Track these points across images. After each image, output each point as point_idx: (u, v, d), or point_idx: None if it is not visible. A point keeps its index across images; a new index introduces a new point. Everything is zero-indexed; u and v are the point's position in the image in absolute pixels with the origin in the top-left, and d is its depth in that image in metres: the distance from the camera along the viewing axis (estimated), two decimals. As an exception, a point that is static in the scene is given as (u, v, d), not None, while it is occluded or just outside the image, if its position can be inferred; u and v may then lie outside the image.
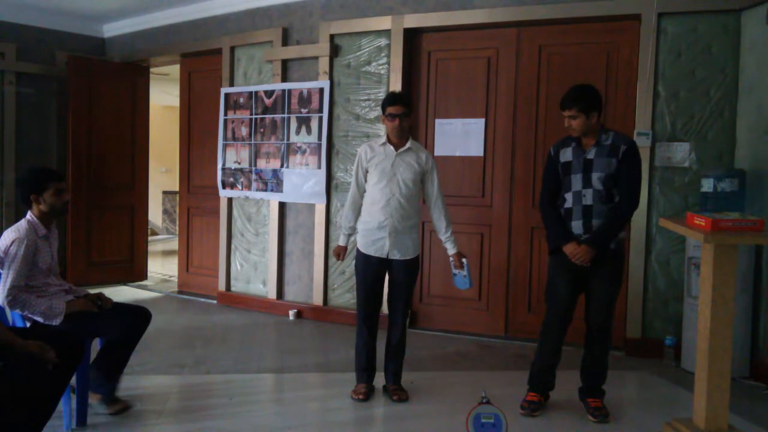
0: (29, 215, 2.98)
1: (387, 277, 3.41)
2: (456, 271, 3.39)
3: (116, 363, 3.09)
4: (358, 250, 3.40)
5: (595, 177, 3.05)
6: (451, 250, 3.39)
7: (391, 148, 3.34)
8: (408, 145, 3.34)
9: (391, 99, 3.34)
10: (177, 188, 6.94)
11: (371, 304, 3.40)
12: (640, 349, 4.22)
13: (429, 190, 3.41)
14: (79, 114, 6.25)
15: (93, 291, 3.23)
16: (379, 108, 4.30)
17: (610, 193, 3.06)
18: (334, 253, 3.52)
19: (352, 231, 3.46)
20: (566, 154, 3.16)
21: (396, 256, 3.32)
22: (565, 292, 3.14)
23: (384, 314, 3.51)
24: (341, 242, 3.49)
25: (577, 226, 3.08)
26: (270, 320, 5.17)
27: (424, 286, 4.97)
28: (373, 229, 3.32)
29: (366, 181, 3.38)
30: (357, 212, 3.44)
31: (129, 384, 3.50)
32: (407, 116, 3.33)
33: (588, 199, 3.06)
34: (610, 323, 3.15)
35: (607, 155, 3.05)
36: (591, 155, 3.08)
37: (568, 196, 3.12)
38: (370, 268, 3.36)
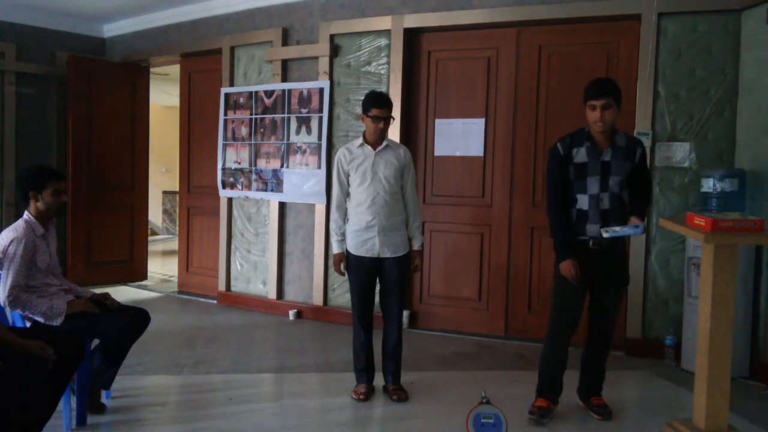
0: (26, 215, 2.98)
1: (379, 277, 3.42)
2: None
3: (111, 361, 3.09)
4: (348, 252, 3.40)
5: (613, 181, 2.98)
6: (416, 245, 3.44)
7: (369, 148, 3.36)
8: (385, 143, 3.37)
9: (376, 101, 3.31)
10: (177, 188, 6.94)
11: (366, 304, 3.41)
12: (640, 349, 4.22)
13: (404, 185, 3.42)
14: (79, 114, 6.25)
15: (96, 291, 3.23)
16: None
17: (623, 197, 3.02)
18: (334, 262, 3.44)
19: (344, 236, 3.44)
20: (580, 155, 3.01)
21: (387, 254, 3.34)
22: (575, 299, 3.05)
23: (380, 314, 3.50)
24: (337, 249, 3.42)
25: (593, 229, 3.00)
26: (270, 320, 5.17)
27: (424, 286, 4.98)
28: (361, 230, 3.33)
29: (349, 184, 3.39)
30: (345, 215, 3.44)
31: (129, 384, 3.51)
32: (389, 119, 3.34)
33: (605, 203, 2.98)
34: (615, 326, 3.16)
35: (622, 158, 2.99)
36: (608, 157, 2.99)
37: (582, 198, 3.02)
38: (362, 269, 3.37)
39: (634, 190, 3.05)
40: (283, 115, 5.31)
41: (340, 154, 3.42)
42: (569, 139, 3.08)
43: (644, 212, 3.06)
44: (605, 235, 2.91)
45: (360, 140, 3.40)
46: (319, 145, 5.11)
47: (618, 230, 2.90)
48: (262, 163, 5.44)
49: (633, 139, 3.10)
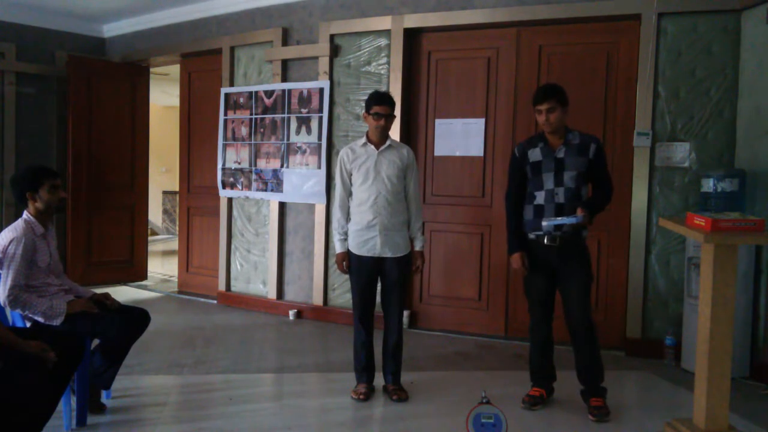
0: (26, 215, 2.98)
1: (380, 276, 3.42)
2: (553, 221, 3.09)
3: (111, 361, 3.09)
4: (350, 252, 3.40)
5: (568, 176, 3.13)
6: (417, 245, 3.44)
7: (372, 147, 3.37)
8: (388, 142, 3.38)
9: (378, 98, 3.36)
10: (177, 188, 6.94)
11: (366, 304, 3.42)
12: (640, 349, 4.22)
13: (407, 185, 3.42)
14: (79, 114, 6.25)
15: (96, 291, 3.23)
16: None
17: (580, 192, 3.15)
18: (337, 261, 3.45)
19: (347, 235, 3.44)
20: (535, 154, 3.20)
21: (388, 254, 3.34)
22: (540, 282, 3.24)
23: (380, 313, 3.50)
24: (339, 248, 3.42)
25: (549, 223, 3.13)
26: (270, 320, 5.17)
27: (424, 286, 4.97)
28: (363, 230, 3.34)
29: (351, 183, 3.40)
30: (347, 214, 3.44)
31: (129, 384, 3.51)
32: (391, 117, 3.37)
33: (560, 197, 3.13)
34: (591, 318, 3.17)
35: (576, 154, 3.14)
36: (561, 154, 3.15)
37: (539, 194, 3.18)
38: (363, 269, 3.37)
39: (595, 186, 3.22)
40: (283, 115, 5.31)
41: (343, 153, 3.43)
42: (525, 143, 3.31)
43: (596, 205, 3.16)
44: (544, 223, 3.09)
45: (363, 139, 3.41)
46: (319, 145, 5.11)
47: (557, 219, 3.05)
48: (262, 163, 5.44)
49: (587, 136, 3.21)
